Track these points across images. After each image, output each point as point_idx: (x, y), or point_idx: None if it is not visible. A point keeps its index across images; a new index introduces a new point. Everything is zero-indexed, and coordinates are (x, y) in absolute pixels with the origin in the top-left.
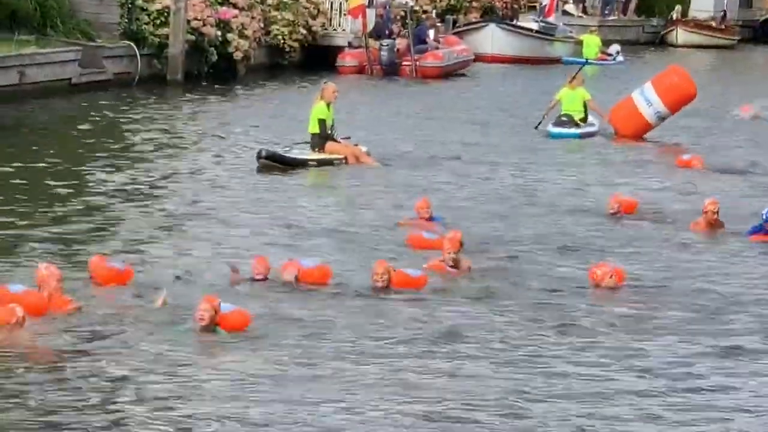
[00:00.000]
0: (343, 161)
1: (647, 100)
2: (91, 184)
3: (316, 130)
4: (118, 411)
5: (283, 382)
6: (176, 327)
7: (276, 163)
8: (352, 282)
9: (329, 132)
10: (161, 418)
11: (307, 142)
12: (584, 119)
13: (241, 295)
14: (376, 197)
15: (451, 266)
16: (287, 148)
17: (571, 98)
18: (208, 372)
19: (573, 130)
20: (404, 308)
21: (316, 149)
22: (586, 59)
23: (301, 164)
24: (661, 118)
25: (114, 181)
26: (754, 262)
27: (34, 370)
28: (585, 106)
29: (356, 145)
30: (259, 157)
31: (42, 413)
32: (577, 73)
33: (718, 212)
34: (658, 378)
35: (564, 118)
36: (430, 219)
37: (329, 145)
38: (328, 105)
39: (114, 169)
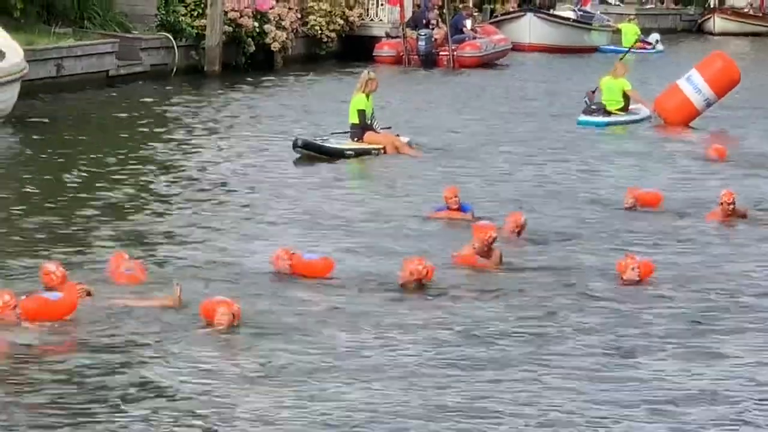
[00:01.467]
0: (382, 151)
1: (695, 87)
2: (127, 176)
3: (356, 120)
4: (143, 410)
5: (303, 376)
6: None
7: (312, 153)
8: (374, 274)
9: (368, 122)
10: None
11: (345, 132)
12: (623, 109)
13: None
14: (408, 188)
15: (481, 256)
16: (324, 138)
17: (610, 87)
18: (226, 367)
19: (600, 119)
20: (429, 301)
21: (356, 139)
22: (629, 47)
23: (338, 154)
24: (709, 104)
25: (150, 173)
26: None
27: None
28: (625, 96)
29: (398, 135)
30: (295, 146)
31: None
32: (620, 61)
33: (734, 203)
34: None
35: (594, 107)
36: (460, 209)
37: (368, 135)
38: (367, 96)
39: (150, 160)
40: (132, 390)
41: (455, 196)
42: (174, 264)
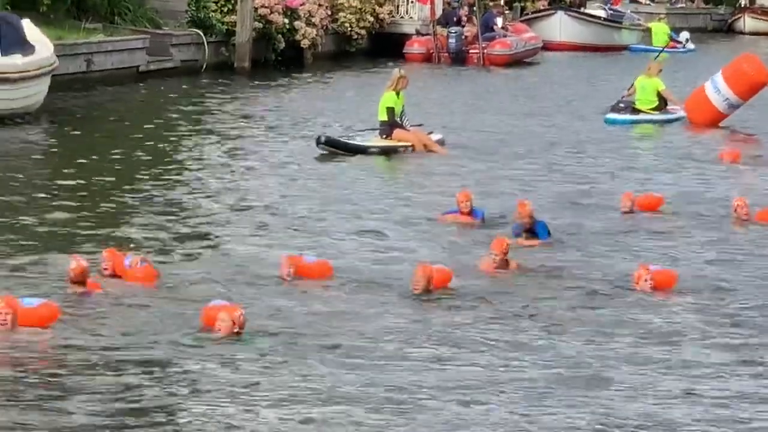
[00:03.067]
0: (411, 149)
1: (716, 89)
2: (152, 171)
3: (385, 117)
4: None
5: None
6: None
7: (336, 150)
8: (379, 277)
9: (398, 120)
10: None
11: (371, 129)
12: (657, 108)
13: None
14: (429, 188)
15: (498, 267)
16: (349, 135)
17: (644, 87)
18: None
19: (627, 117)
20: (433, 305)
21: (384, 136)
22: (663, 46)
23: (362, 151)
24: (733, 107)
25: (177, 168)
26: None
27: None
28: (659, 96)
29: (430, 133)
30: (318, 142)
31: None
32: (655, 60)
33: (747, 209)
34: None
35: (622, 105)
36: (471, 213)
37: (397, 132)
38: (397, 93)
39: (178, 156)
40: (129, 398)
41: (467, 200)
42: (183, 265)
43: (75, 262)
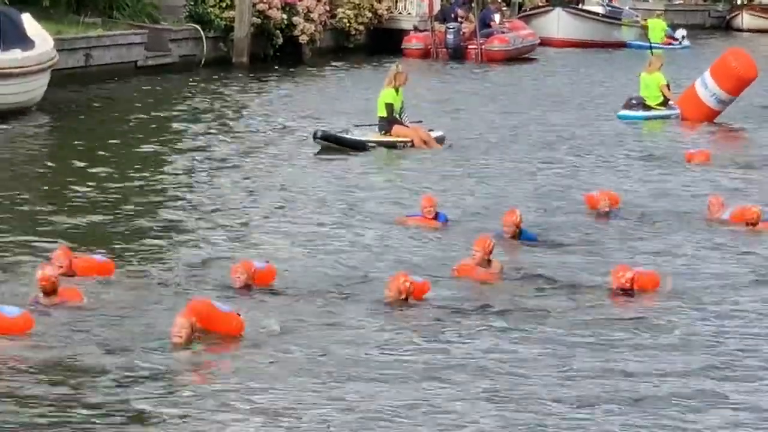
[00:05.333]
0: (410, 144)
1: (705, 86)
2: (147, 165)
3: (383, 113)
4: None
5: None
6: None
7: (332, 144)
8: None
9: (397, 116)
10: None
11: (369, 125)
12: (663, 103)
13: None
14: (419, 186)
15: (479, 265)
16: (346, 130)
17: (646, 83)
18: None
19: (639, 113)
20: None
21: (383, 132)
22: (651, 44)
23: (360, 146)
24: (722, 102)
25: (173, 162)
26: None
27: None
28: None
29: (431, 130)
30: (314, 137)
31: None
32: (654, 55)
33: (722, 206)
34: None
35: (633, 101)
36: (435, 217)
37: (396, 128)
38: (396, 89)
39: (175, 149)
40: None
41: (431, 206)
42: (166, 263)
43: (42, 271)
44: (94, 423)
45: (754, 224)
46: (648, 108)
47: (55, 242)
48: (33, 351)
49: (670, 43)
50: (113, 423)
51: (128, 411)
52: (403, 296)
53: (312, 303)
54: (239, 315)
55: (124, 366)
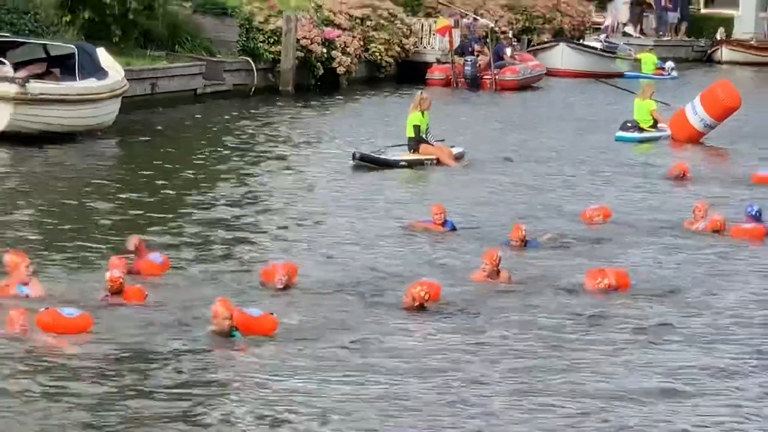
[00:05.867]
0: (435, 162)
1: (695, 112)
2: (208, 180)
3: (412, 134)
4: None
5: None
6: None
7: (369, 164)
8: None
9: (423, 136)
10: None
11: (400, 145)
12: (653, 126)
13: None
14: (434, 195)
15: (489, 276)
16: (381, 151)
17: (639, 108)
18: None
19: (635, 134)
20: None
21: (411, 151)
22: (646, 74)
23: (393, 164)
24: (709, 126)
25: (228, 177)
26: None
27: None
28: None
29: (452, 147)
30: (353, 158)
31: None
32: (647, 84)
33: (705, 213)
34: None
35: (629, 124)
36: (443, 224)
37: (423, 147)
38: (422, 113)
39: (230, 167)
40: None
41: (441, 213)
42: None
43: (111, 274)
44: (152, 414)
45: (719, 231)
46: (642, 130)
47: (117, 245)
48: (97, 346)
49: (661, 74)
50: (171, 412)
51: (184, 396)
52: (417, 303)
53: (338, 300)
54: (272, 315)
55: (177, 356)
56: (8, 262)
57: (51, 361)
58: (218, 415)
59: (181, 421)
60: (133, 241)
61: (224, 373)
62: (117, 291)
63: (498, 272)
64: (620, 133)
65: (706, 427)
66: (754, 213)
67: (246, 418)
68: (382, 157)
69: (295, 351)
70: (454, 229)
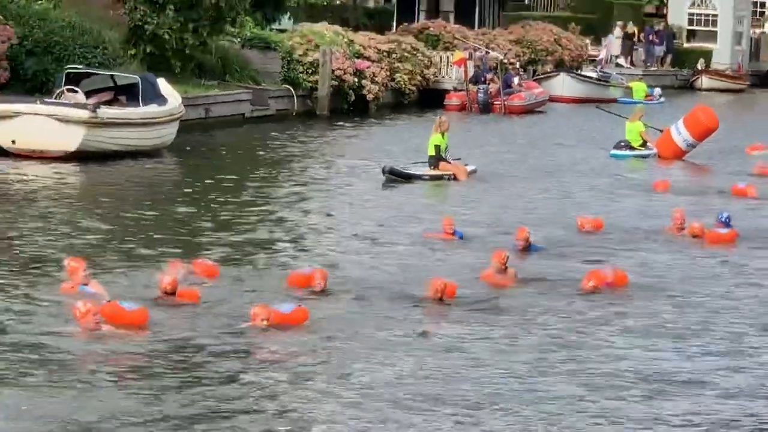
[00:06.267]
0: (452, 177)
1: (679, 132)
2: (255, 192)
3: (432, 152)
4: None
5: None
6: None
7: (396, 177)
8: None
9: (442, 154)
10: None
11: (422, 162)
12: (643, 145)
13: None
14: (448, 207)
15: (498, 273)
16: (407, 166)
17: (630, 129)
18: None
19: (626, 152)
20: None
21: (432, 167)
22: (637, 100)
23: (417, 178)
24: (691, 146)
25: (273, 188)
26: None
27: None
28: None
29: (466, 165)
30: (383, 172)
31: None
32: (637, 109)
33: (683, 220)
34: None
35: (622, 143)
36: (453, 234)
37: (442, 164)
38: (442, 134)
39: (275, 179)
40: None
41: (450, 224)
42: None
43: (166, 276)
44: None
45: (696, 236)
46: (632, 148)
47: (176, 250)
48: (153, 338)
49: (650, 100)
50: (223, 397)
51: (233, 383)
52: (439, 296)
53: (364, 296)
54: (302, 307)
55: (223, 350)
56: (68, 267)
57: (114, 351)
58: (255, 400)
59: (229, 408)
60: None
61: (260, 363)
62: (171, 292)
63: (506, 270)
64: (614, 151)
65: (706, 415)
66: (724, 219)
67: (282, 399)
68: (407, 171)
69: (325, 343)
70: (461, 238)
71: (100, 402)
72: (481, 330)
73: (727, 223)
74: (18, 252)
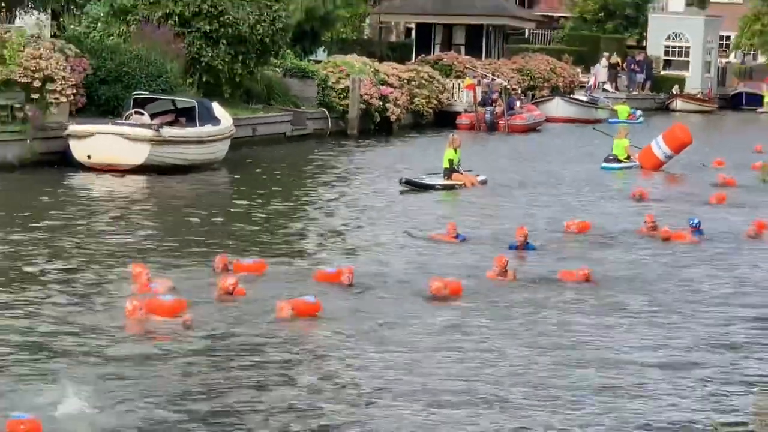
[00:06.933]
0: (464, 186)
1: (659, 147)
2: (292, 199)
3: (446, 165)
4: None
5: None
6: None
7: (412, 187)
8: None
9: (455, 167)
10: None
11: (436, 173)
12: (627, 158)
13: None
14: (457, 213)
15: (499, 275)
16: (422, 177)
17: (617, 145)
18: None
19: (615, 165)
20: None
21: (445, 178)
22: (623, 120)
23: (431, 188)
24: (669, 157)
25: (306, 195)
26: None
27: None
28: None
29: (477, 175)
30: (400, 182)
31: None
32: (622, 127)
33: (654, 222)
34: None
35: (611, 157)
36: (456, 237)
37: (455, 175)
38: (455, 149)
39: (308, 188)
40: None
41: (453, 229)
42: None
43: (223, 282)
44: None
45: (666, 238)
46: (620, 161)
47: (226, 248)
48: (197, 329)
49: (633, 119)
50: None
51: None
52: (443, 292)
53: (380, 290)
54: (313, 300)
55: (259, 339)
56: (133, 271)
57: (163, 340)
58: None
59: (260, 381)
60: (220, 260)
61: (290, 349)
62: (231, 292)
63: (506, 272)
64: (604, 164)
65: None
66: (694, 224)
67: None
68: (423, 181)
69: (348, 332)
70: (463, 240)
71: (146, 382)
72: (480, 321)
73: (697, 227)
74: (91, 251)
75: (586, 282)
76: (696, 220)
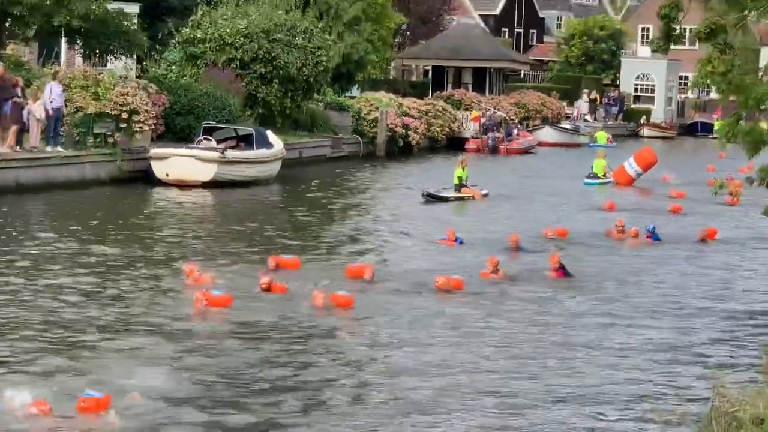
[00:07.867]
0: (472, 198)
1: (630, 166)
2: (329, 209)
3: (456, 182)
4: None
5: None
6: None
7: (432, 199)
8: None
9: (464, 183)
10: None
11: (450, 187)
12: (604, 176)
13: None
14: (461, 220)
15: (492, 274)
16: (439, 191)
17: (596, 164)
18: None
19: (596, 181)
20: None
21: (457, 191)
22: (600, 145)
23: (446, 200)
24: (639, 175)
25: (343, 206)
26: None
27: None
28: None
29: (482, 189)
30: (422, 195)
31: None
32: (600, 149)
33: (623, 227)
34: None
35: (591, 174)
36: (455, 240)
37: (464, 189)
38: (463, 168)
39: (344, 201)
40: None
41: (453, 234)
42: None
43: (265, 278)
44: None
45: (635, 236)
46: (599, 178)
47: (276, 249)
48: (243, 319)
49: (609, 144)
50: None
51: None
52: (447, 288)
53: (392, 286)
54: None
55: (298, 330)
56: (186, 269)
57: (214, 329)
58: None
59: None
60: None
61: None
62: (268, 288)
63: (497, 271)
64: (587, 180)
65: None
66: (650, 229)
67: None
68: (441, 194)
69: (369, 325)
70: (462, 243)
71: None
72: (478, 315)
73: (653, 233)
74: (163, 253)
75: (560, 268)
76: (651, 226)
